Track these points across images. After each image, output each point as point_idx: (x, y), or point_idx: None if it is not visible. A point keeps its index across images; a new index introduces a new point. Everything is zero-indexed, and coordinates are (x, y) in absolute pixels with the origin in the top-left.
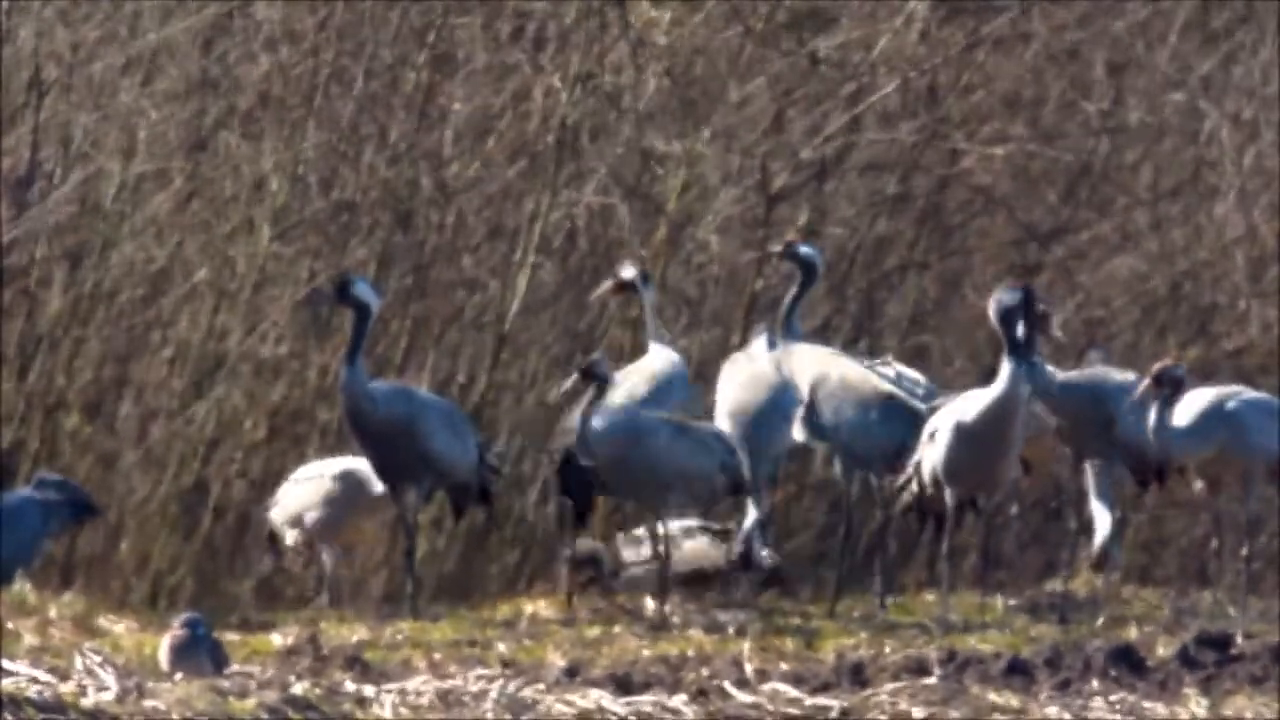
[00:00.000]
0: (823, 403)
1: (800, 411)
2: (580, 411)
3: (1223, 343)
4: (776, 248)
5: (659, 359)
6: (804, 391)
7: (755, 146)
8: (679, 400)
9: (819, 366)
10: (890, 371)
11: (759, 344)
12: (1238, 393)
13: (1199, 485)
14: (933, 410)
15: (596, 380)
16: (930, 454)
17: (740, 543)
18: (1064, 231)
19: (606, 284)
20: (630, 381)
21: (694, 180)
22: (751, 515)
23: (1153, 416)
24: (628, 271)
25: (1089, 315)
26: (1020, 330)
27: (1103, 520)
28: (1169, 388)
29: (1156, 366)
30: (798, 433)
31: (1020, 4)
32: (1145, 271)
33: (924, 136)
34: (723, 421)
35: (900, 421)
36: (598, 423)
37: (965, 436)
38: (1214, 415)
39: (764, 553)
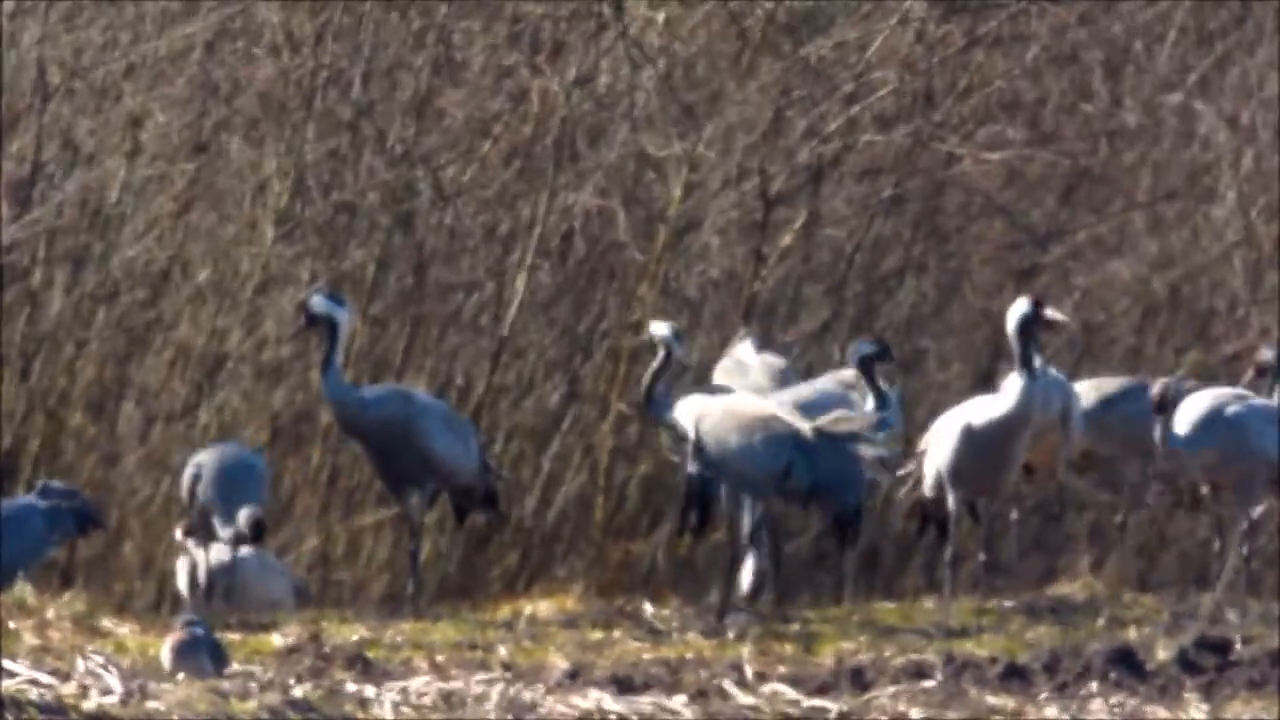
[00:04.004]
0: (707, 435)
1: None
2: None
3: (1222, 347)
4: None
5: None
6: (690, 432)
7: (754, 149)
8: None
9: (699, 406)
10: (851, 376)
11: (744, 348)
12: (1238, 397)
13: (1204, 489)
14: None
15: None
16: (934, 457)
17: (751, 575)
18: (1062, 234)
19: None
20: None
21: (693, 183)
22: (751, 559)
23: (1157, 435)
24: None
25: (1088, 319)
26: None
27: None
28: (1171, 406)
29: (1156, 390)
30: (690, 465)
31: (1017, 3)
32: (1144, 274)
33: (921, 139)
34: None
35: (784, 443)
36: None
37: (971, 443)
38: (1215, 420)
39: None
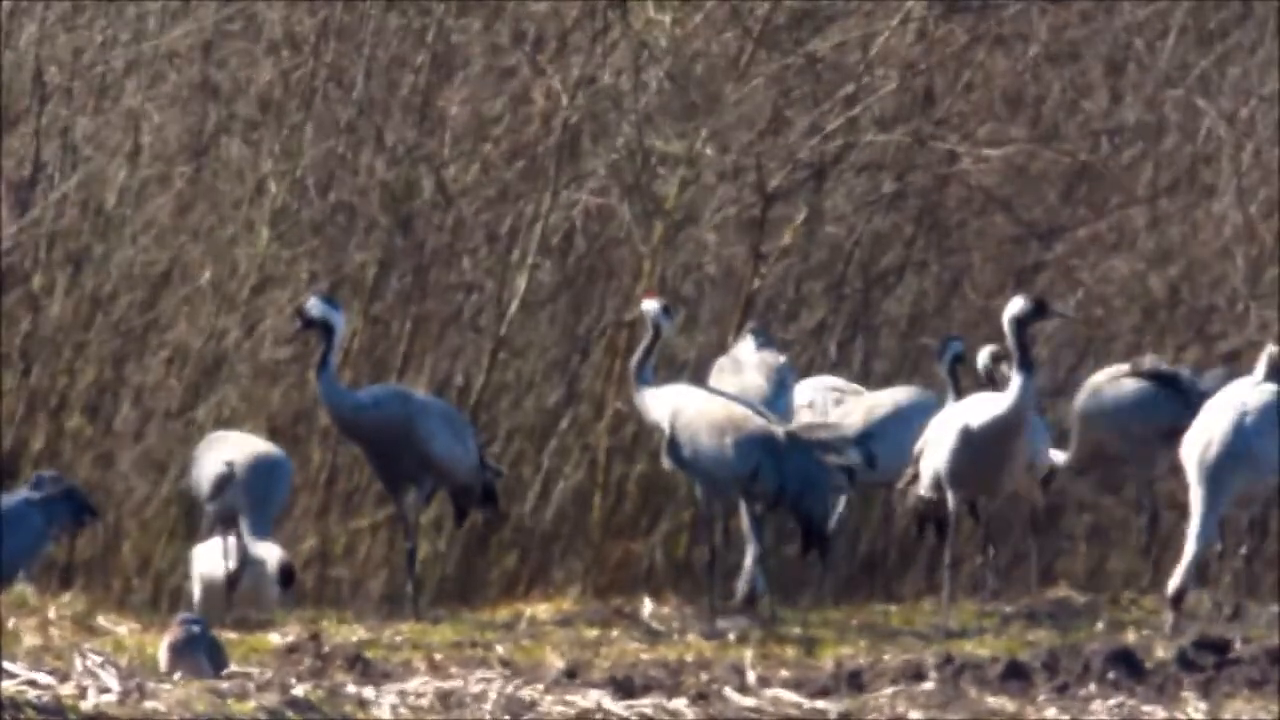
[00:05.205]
0: (680, 432)
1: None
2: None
3: (1220, 344)
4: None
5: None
6: (664, 425)
7: (753, 146)
8: None
9: (675, 400)
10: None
11: (745, 347)
12: (1245, 408)
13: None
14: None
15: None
16: (932, 457)
17: (745, 582)
18: (1063, 230)
19: None
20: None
21: (692, 180)
22: (751, 552)
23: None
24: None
25: (1089, 315)
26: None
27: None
28: None
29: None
30: (664, 462)
31: (1018, 2)
32: (1144, 271)
33: (922, 137)
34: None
35: (753, 445)
36: None
37: (970, 443)
38: (1236, 443)
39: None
